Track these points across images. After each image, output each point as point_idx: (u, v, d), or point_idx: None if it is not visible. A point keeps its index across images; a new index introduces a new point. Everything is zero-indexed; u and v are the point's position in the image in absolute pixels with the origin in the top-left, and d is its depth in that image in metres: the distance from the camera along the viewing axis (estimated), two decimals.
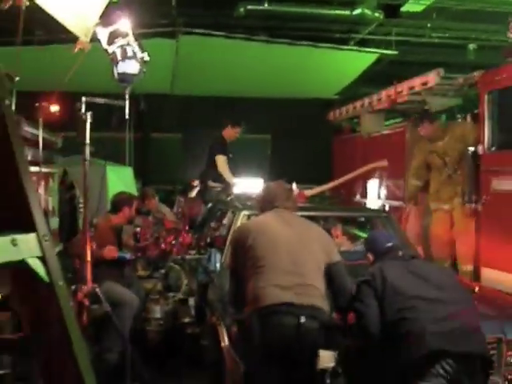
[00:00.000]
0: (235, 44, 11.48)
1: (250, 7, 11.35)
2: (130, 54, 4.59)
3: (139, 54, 4.69)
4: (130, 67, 4.58)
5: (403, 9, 12.22)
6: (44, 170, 8.38)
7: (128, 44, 4.64)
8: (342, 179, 8.32)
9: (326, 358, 3.75)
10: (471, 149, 6.75)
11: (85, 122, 4.55)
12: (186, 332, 6.08)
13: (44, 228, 1.64)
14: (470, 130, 7.00)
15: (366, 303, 3.70)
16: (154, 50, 11.96)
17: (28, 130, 7.23)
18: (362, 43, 13.36)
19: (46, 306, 1.66)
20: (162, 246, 6.88)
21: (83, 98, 4.54)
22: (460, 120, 7.72)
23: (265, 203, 4.34)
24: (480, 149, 6.54)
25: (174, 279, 6.79)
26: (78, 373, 1.65)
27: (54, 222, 9.82)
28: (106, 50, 4.62)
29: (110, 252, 6.02)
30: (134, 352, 4.91)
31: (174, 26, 11.39)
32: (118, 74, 4.57)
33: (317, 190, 7.97)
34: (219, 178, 8.39)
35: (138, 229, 7.10)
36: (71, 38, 4.87)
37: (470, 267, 6.85)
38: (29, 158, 7.49)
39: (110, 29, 4.64)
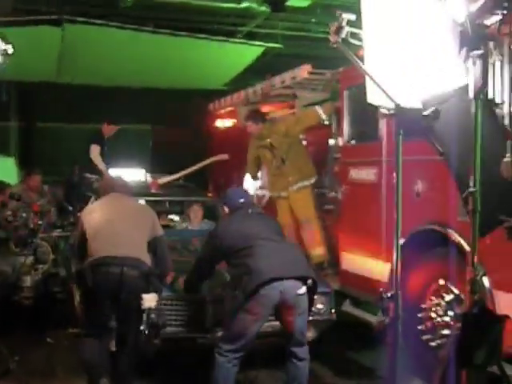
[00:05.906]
0: (120, 34, 11.40)
1: None
2: None
3: (2, 47, 4.78)
4: None
5: (289, 3, 12.53)
6: None
7: None
8: (188, 170, 8.94)
9: (149, 300, 4.77)
10: (332, 141, 7.15)
11: None
12: (56, 298, 7.46)
13: None
14: (293, 124, 7.47)
15: (199, 257, 5.16)
16: (39, 38, 11.81)
17: None
18: (250, 36, 13.61)
19: None
20: (31, 225, 7.74)
21: None
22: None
23: (106, 189, 5.64)
24: (340, 141, 6.90)
25: (41, 254, 7.76)
26: None
27: None
28: None
29: None
30: None
31: (59, 14, 11.23)
32: None
33: (167, 178, 8.72)
34: (95, 170, 9.17)
35: (10, 212, 7.82)
36: None
37: (318, 250, 7.20)
38: None
39: None
